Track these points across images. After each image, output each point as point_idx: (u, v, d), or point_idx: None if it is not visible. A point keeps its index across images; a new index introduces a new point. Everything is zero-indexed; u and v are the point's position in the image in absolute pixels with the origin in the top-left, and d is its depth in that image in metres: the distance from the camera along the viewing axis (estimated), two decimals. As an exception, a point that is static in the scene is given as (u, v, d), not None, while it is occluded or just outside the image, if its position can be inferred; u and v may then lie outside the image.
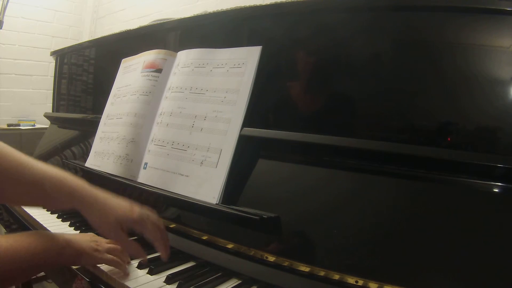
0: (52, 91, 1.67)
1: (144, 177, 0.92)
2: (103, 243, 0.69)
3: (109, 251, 0.68)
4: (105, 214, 0.62)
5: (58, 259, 0.62)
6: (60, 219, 0.98)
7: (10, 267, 0.55)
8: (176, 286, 0.65)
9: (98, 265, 0.70)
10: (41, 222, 0.95)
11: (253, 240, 0.71)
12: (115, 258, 0.68)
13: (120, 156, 0.98)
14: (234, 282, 0.70)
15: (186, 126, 0.88)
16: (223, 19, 0.94)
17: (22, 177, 0.62)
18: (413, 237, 0.58)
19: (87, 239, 0.67)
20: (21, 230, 1.02)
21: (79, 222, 0.95)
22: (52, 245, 0.61)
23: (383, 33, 0.70)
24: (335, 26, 0.75)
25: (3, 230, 1.25)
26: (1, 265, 0.53)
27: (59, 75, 1.63)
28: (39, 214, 1.00)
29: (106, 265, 0.69)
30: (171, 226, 0.85)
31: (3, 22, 1.77)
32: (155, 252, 0.80)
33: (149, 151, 0.94)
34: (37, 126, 2.58)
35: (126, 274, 0.68)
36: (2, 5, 1.76)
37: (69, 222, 0.96)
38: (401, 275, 0.56)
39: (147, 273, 0.70)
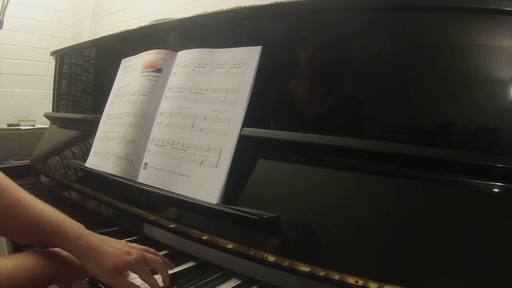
0: (52, 91, 1.67)
1: (144, 177, 0.92)
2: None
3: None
4: (102, 263, 0.60)
5: (58, 279, 0.63)
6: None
7: None
8: (176, 286, 0.65)
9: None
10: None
11: (253, 240, 0.71)
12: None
13: (120, 156, 0.98)
14: (234, 282, 0.70)
15: (186, 126, 0.88)
16: (223, 19, 0.94)
17: (18, 216, 0.62)
18: (413, 237, 0.58)
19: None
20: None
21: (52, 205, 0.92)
22: (51, 267, 0.61)
23: (383, 33, 0.70)
24: (335, 26, 0.75)
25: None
26: None
27: (59, 75, 1.63)
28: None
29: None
30: (171, 226, 0.85)
31: (3, 22, 1.77)
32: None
33: (149, 151, 0.94)
34: (37, 126, 2.58)
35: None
36: (2, 5, 1.76)
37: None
38: (401, 275, 0.56)
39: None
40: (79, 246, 0.61)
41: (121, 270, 0.60)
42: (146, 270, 0.62)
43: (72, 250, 0.62)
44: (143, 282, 0.62)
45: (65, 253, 0.65)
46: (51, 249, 0.66)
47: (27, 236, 0.65)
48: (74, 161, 1.22)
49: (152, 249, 0.68)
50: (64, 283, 0.75)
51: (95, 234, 0.64)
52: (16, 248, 1.15)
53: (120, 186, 0.98)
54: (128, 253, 0.61)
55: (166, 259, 0.68)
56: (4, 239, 1.23)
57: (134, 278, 0.63)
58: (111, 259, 0.60)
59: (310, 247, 0.66)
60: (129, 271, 0.63)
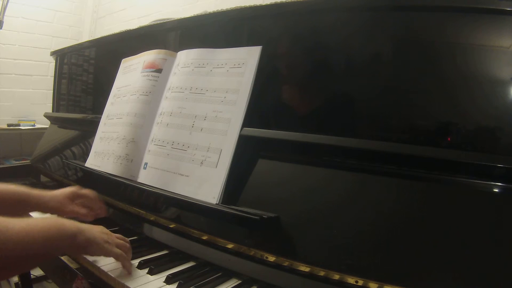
0: (52, 91, 1.67)
1: (144, 177, 0.92)
2: (113, 237, 0.71)
3: (118, 246, 0.70)
4: (54, 195, 0.79)
5: (71, 245, 0.63)
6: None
7: (24, 250, 0.55)
8: (176, 286, 0.66)
9: (99, 266, 0.70)
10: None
11: (253, 240, 0.71)
12: (123, 253, 0.69)
13: (120, 156, 0.98)
14: (234, 282, 0.70)
15: (186, 126, 0.88)
16: (223, 19, 0.94)
17: None
18: (413, 237, 0.58)
19: (98, 230, 0.69)
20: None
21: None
22: (65, 230, 0.62)
23: (383, 33, 0.70)
24: (335, 26, 0.75)
25: None
26: (14, 247, 0.53)
27: (59, 75, 1.63)
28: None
29: (107, 266, 0.69)
30: (171, 226, 0.85)
31: (3, 22, 1.77)
32: (155, 252, 0.81)
33: (149, 151, 0.94)
34: (37, 126, 2.58)
35: (129, 273, 0.69)
36: (2, 5, 1.76)
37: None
38: (401, 275, 0.56)
39: (147, 273, 0.70)
40: (37, 196, 0.79)
41: (71, 196, 0.82)
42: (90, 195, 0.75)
43: (33, 202, 0.78)
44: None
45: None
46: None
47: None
48: (74, 161, 1.22)
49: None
50: (64, 282, 0.75)
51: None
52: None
53: (120, 186, 0.98)
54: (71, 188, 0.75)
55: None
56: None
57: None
58: (59, 192, 0.81)
59: (310, 247, 0.66)
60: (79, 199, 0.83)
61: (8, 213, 0.62)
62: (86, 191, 0.85)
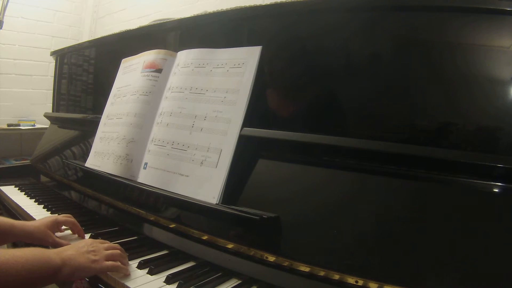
0: (52, 91, 1.67)
1: (144, 177, 0.92)
2: (101, 250, 0.70)
3: (107, 257, 0.69)
4: (37, 226, 0.81)
5: (55, 277, 0.64)
6: (36, 203, 1.14)
7: (6, 281, 0.56)
8: (176, 286, 0.66)
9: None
10: (20, 205, 1.11)
11: (253, 240, 0.71)
12: (114, 263, 0.69)
13: (120, 156, 0.98)
14: (234, 282, 0.70)
15: (186, 126, 0.88)
16: (223, 19, 0.94)
17: None
18: (413, 237, 0.58)
19: (84, 250, 0.68)
20: (5, 213, 1.17)
21: (52, 205, 1.11)
22: (50, 264, 0.62)
23: (383, 33, 0.70)
24: (335, 26, 0.75)
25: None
26: None
27: (59, 75, 1.63)
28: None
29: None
30: (171, 226, 0.85)
31: (3, 22, 1.77)
32: (155, 252, 0.81)
33: (149, 151, 0.94)
34: (37, 126, 2.58)
35: (126, 275, 0.69)
36: (2, 5, 1.76)
37: (43, 205, 1.11)
38: (401, 275, 0.56)
39: (147, 273, 0.70)
40: (18, 226, 0.80)
41: (49, 226, 0.83)
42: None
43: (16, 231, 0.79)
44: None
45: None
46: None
47: None
48: (74, 161, 1.22)
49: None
50: (64, 283, 0.75)
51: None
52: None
53: (120, 186, 0.98)
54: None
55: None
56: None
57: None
58: (39, 221, 0.83)
59: (310, 247, 0.66)
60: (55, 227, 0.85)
61: None
62: (64, 218, 0.87)
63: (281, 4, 0.81)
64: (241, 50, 0.86)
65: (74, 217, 0.90)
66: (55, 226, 0.85)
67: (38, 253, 0.62)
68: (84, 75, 1.46)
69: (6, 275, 0.55)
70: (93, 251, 0.69)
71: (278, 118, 0.82)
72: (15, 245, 1.01)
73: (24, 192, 1.25)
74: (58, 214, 0.89)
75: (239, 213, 0.70)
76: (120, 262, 0.70)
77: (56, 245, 0.80)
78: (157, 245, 0.84)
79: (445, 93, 0.63)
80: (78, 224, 0.89)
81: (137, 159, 0.96)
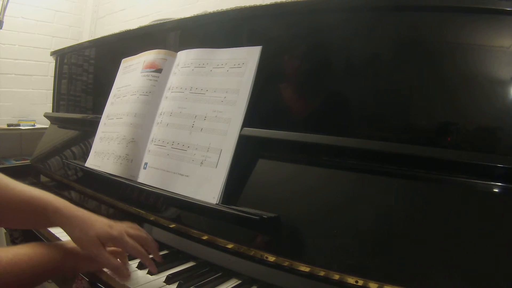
0: (52, 91, 1.67)
1: (144, 177, 0.92)
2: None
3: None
4: (85, 230, 0.63)
5: (58, 271, 0.64)
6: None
7: (11, 281, 0.56)
8: (176, 286, 0.66)
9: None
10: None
11: (253, 240, 0.71)
12: (116, 263, 0.67)
13: (120, 156, 0.98)
14: (234, 282, 0.70)
15: (186, 126, 0.88)
16: (223, 19, 0.94)
17: (10, 201, 0.65)
18: (413, 237, 0.58)
19: (89, 242, 0.64)
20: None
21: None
22: (52, 258, 0.63)
23: (383, 33, 0.70)
24: (335, 26, 0.75)
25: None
26: (1, 279, 0.54)
27: (59, 75, 1.63)
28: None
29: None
30: (171, 226, 0.85)
31: (3, 22, 1.77)
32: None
33: (149, 151, 0.94)
34: (37, 126, 2.57)
35: (126, 277, 0.68)
36: (2, 5, 1.76)
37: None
38: (401, 275, 0.56)
39: (147, 273, 0.70)
40: (65, 214, 0.65)
41: (103, 240, 0.64)
42: (129, 245, 0.66)
43: (60, 220, 0.65)
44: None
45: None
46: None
47: (21, 219, 0.69)
48: (74, 161, 1.22)
49: (136, 226, 0.72)
50: (64, 283, 0.75)
51: (81, 208, 0.67)
52: (14, 241, 1.15)
53: (120, 186, 0.98)
54: (110, 226, 0.65)
55: (150, 236, 0.71)
56: (2, 232, 1.24)
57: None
58: (94, 228, 0.64)
59: (310, 247, 0.66)
60: (112, 243, 0.67)
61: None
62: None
63: (281, 4, 0.81)
64: (241, 50, 0.86)
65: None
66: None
67: (39, 249, 0.63)
68: (84, 75, 1.46)
69: (11, 276, 0.56)
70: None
71: (278, 118, 0.82)
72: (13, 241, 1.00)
73: (24, 192, 1.24)
74: None
75: (239, 213, 0.70)
76: (121, 260, 0.70)
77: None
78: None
79: (445, 93, 0.63)
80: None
81: (137, 159, 0.96)
